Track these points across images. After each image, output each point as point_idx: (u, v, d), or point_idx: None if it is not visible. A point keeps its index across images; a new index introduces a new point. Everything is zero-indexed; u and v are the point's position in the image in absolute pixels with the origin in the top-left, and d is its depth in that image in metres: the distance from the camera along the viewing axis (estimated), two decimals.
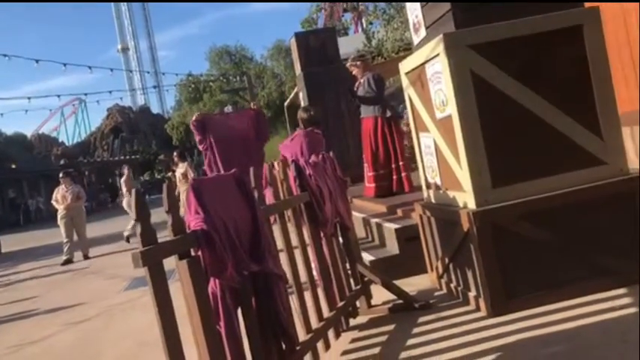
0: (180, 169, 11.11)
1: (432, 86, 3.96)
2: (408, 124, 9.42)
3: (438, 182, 4.20)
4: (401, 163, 6.41)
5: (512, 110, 3.64)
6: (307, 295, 3.43)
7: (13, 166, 33.17)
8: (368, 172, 6.60)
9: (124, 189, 12.57)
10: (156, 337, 4.14)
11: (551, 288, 3.51)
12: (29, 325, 6.43)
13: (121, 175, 41.95)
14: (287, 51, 39.34)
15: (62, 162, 38.33)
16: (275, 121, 33.07)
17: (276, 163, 4.05)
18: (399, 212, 5.48)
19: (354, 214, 5.22)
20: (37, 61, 15.34)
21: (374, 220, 5.68)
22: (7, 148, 40.41)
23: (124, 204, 13.23)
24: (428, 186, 4.45)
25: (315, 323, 3.40)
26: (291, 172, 3.68)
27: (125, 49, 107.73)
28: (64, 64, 16.19)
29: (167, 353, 2.22)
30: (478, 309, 3.67)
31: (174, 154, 12.01)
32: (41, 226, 24.16)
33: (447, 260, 4.12)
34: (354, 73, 6.64)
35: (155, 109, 77.24)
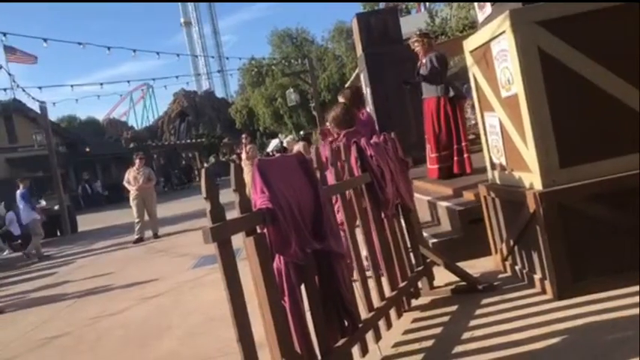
0: (249, 150, 11.36)
1: (498, 64, 3.87)
2: (471, 105, 9.22)
3: (503, 163, 4.12)
4: (463, 144, 6.30)
5: (581, 87, 3.51)
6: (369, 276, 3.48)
7: (87, 150, 34.80)
8: (430, 154, 6.52)
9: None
10: (223, 313, 4.32)
11: (620, 272, 3.40)
12: (106, 299, 6.82)
13: (187, 159, 43.36)
14: (348, 32, 39.11)
15: (132, 145, 39.92)
16: (336, 103, 33.03)
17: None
18: (463, 194, 5.41)
19: (417, 195, 5.20)
20: (108, 48, 15.94)
21: (436, 202, 5.64)
22: (81, 132, 42.43)
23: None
24: (492, 167, 4.38)
25: (377, 302, 3.44)
26: (353, 153, 3.71)
27: (188, 23, 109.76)
28: (134, 51, 16.79)
29: (235, 325, 2.32)
30: (544, 292, 3.61)
31: (243, 135, 12.29)
32: (109, 208, 25.30)
33: (511, 242, 4.06)
34: (416, 50, 6.52)
35: (219, 93, 78.98)
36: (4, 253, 15.23)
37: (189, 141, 47.10)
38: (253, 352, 2.34)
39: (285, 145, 30.36)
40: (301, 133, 26.97)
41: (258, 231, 2.52)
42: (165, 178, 36.50)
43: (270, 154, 25.34)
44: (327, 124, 5.08)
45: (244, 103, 48.53)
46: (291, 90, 31.47)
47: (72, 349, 4.94)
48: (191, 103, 57.40)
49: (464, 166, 6.30)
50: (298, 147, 11.41)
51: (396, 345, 3.35)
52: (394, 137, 4.33)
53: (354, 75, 17.69)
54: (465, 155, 6.28)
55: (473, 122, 10.66)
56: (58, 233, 17.06)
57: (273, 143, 34.91)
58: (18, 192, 13.00)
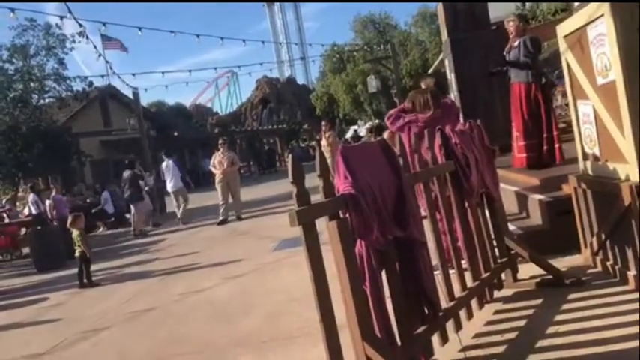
0: (329, 137, 11.45)
1: (594, 50, 3.68)
2: (562, 92, 8.80)
3: (597, 153, 3.93)
4: (555, 133, 6.02)
5: None
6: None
7: (176, 134, 36.30)
8: (519, 142, 6.26)
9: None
10: (303, 293, 4.44)
11: None
12: (193, 277, 7.17)
13: (268, 145, 44.28)
14: (432, 17, 38.26)
15: (216, 130, 41.21)
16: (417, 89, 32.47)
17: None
18: (552, 185, 5.20)
19: (503, 185, 5.06)
20: (197, 36, 16.54)
21: (523, 193, 5.46)
22: (169, 117, 44.28)
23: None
24: (585, 157, 4.19)
25: (458, 292, 3.41)
26: (437, 141, 3.67)
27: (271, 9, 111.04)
28: (222, 38, 17.29)
29: (318, 306, 2.39)
30: (637, 289, 3.43)
31: (323, 122, 12.37)
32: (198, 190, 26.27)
33: (603, 236, 3.88)
34: (510, 31, 6.23)
35: (300, 79, 79.84)
36: (99, 231, 16.28)
37: (270, 127, 48.01)
38: (335, 332, 2.40)
39: (361, 134, 30.23)
40: (376, 121, 26.65)
41: (341, 216, 2.57)
42: (256, 162, 37.30)
43: (349, 141, 25.35)
44: (407, 103, 4.99)
45: (325, 90, 48.78)
46: (373, 76, 31.27)
47: (161, 322, 5.24)
48: (273, 89, 58.43)
49: (554, 155, 6.03)
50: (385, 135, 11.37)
51: (477, 335, 3.32)
52: (480, 125, 4.24)
53: (437, 61, 17.32)
54: (556, 145, 6.01)
55: (562, 111, 10.17)
56: None
57: (351, 131, 34.90)
58: (165, 164, 13.83)
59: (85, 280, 7.86)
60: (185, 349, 4.31)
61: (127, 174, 13.64)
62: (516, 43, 6.12)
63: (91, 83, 24.39)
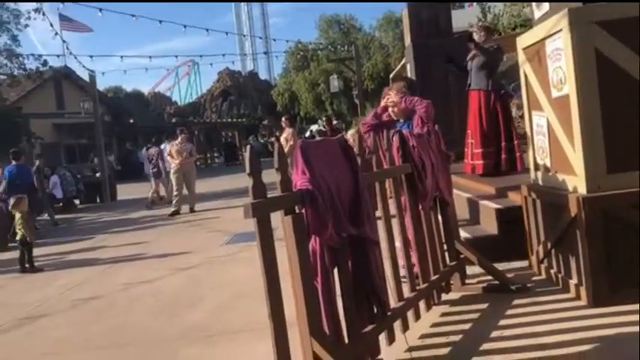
0: (286, 133, 11.39)
1: (551, 63, 3.78)
2: (517, 105, 9.02)
3: (548, 164, 4.05)
4: (515, 142, 6.12)
5: (636, 93, 3.41)
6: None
7: (131, 121, 35.49)
8: (474, 149, 6.37)
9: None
10: (253, 289, 4.41)
11: None
12: (141, 267, 7.01)
13: (226, 138, 43.87)
14: (396, 22, 38.61)
15: (174, 120, 40.50)
16: (379, 92, 32.81)
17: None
18: (505, 194, 5.32)
19: (456, 192, 5.15)
20: (160, 21, 16.18)
21: (476, 200, 5.57)
22: (126, 103, 43.23)
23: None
24: (536, 167, 4.30)
25: (407, 293, 3.45)
26: (395, 143, 3.70)
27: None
28: (184, 26, 17.03)
29: (268, 301, 2.36)
30: (578, 297, 3.55)
31: (283, 118, 12.27)
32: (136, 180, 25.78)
33: (549, 245, 3.99)
34: (476, 39, 6.27)
35: (263, 74, 79.25)
36: (45, 215, 15.72)
37: (230, 120, 47.49)
38: (283, 328, 2.38)
39: (314, 134, 30.17)
40: (322, 124, 26.26)
41: (297, 211, 2.55)
42: (222, 154, 36.81)
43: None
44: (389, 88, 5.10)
45: (287, 87, 48.62)
46: (335, 76, 31.34)
47: (105, 312, 5.10)
48: (235, 82, 57.80)
49: (515, 164, 6.13)
50: (351, 133, 11.37)
51: (423, 337, 3.36)
52: (437, 130, 4.29)
53: (399, 65, 17.52)
54: (517, 154, 6.11)
55: (516, 123, 10.44)
56: (98, 200, 17.52)
57: (309, 131, 34.89)
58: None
59: (26, 265, 7.58)
60: (127, 340, 4.20)
61: (153, 150, 14.39)
62: (478, 51, 6.21)
63: (45, 62, 23.46)
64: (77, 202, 16.75)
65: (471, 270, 4.30)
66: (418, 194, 3.73)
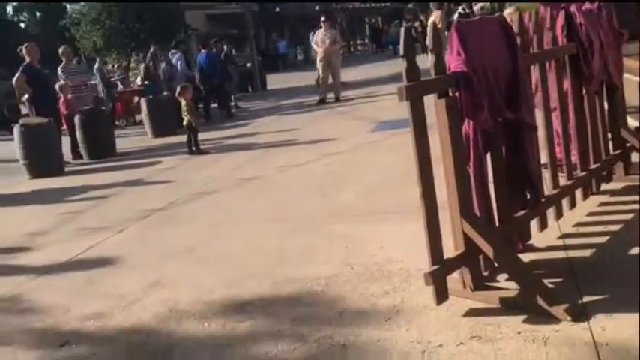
0: (434, 16, 10.89)
1: None
2: None
3: None
4: None
5: None
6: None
7: (277, 10, 35.86)
8: None
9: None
10: (402, 175, 4.52)
11: None
12: (292, 151, 7.43)
13: (370, 24, 42.84)
14: None
15: (317, 8, 40.21)
16: None
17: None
18: None
19: (626, 75, 4.66)
20: None
21: None
22: None
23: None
24: None
25: (563, 180, 3.32)
26: (559, 20, 3.40)
27: None
28: None
29: (420, 181, 2.43)
30: None
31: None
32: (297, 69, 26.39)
33: None
34: None
35: None
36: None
37: (373, 5, 46.08)
38: (435, 208, 2.46)
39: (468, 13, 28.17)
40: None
41: (451, 94, 2.52)
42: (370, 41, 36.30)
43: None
44: None
45: None
46: None
47: (263, 190, 5.57)
48: None
49: None
50: (508, 12, 10.56)
51: (578, 225, 3.26)
52: (610, 5, 3.84)
53: None
54: None
55: None
56: (250, 89, 18.43)
57: (457, 12, 32.60)
58: None
59: (193, 148, 8.38)
60: (284, 216, 4.59)
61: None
62: None
63: None
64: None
65: (636, 159, 3.98)
66: (583, 77, 3.46)
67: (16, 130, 8.28)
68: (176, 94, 8.90)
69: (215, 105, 13.24)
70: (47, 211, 5.90)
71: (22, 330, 3.06)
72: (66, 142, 9.15)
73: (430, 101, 2.49)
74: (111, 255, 4.14)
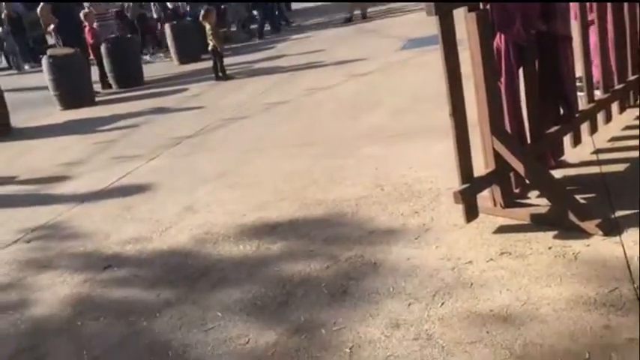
0: None
1: None
2: None
3: None
4: None
5: None
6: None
7: None
8: None
9: None
10: (430, 94, 4.45)
11: None
12: (320, 73, 7.33)
13: None
14: None
15: None
16: None
17: None
18: None
19: None
20: None
21: None
22: None
23: None
24: None
25: (599, 94, 3.21)
26: None
27: None
28: None
29: (450, 99, 2.37)
30: None
31: None
32: None
33: None
34: None
35: None
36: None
37: None
38: (465, 125, 2.41)
39: None
40: None
41: (481, 7, 2.41)
42: None
43: None
44: None
45: None
46: None
47: (292, 115, 5.55)
48: None
49: None
50: None
51: (613, 139, 3.19)
52: None
53: None
54: None
55: None
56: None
57: None
58: None
59: (219, 74, 8.33)
60: (314, 139, 4.59)
61: None
62: None
63: None
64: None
65: None
66: None
67: (45, 61, 8.33)
68: (200, 18, 8.75)
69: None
70: (81, 141, 6.04)
71: (66, 254, 3.22)
72: (94, 72, 9.20)
73: (460, 16, 2.39)
74: (145, 182, 4.25)
